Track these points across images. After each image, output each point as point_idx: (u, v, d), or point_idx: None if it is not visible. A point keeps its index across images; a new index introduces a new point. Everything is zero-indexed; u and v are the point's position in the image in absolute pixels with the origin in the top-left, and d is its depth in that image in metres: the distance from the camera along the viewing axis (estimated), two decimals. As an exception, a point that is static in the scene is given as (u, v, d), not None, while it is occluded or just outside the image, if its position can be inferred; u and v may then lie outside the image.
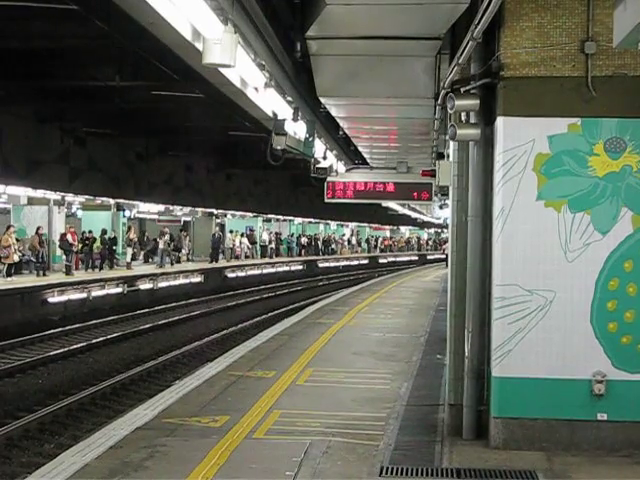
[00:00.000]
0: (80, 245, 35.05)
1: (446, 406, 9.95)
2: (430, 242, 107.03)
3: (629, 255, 8.80)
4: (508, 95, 8.90)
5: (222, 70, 11.11)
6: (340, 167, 21.61)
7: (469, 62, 9.18)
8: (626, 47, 7.42)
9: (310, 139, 15.13)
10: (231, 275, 45.67)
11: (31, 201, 34.61)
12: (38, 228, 32.90)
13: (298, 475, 8.10)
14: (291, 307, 33.77)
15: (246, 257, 53.01)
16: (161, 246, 41.38)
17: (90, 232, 36.13)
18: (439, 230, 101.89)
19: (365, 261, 75.48)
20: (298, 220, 68.72)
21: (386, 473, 8.23)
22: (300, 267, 59.05)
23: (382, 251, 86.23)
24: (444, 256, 56.28)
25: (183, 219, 52.80)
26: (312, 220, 69.86)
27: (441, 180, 14.47)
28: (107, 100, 22.90)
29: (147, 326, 27.08)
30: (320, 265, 63.67)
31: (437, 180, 15.73)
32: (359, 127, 16.79)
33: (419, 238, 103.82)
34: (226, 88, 13.63)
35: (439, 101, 11.25)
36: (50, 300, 27.90)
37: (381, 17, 9.29)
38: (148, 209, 46.14)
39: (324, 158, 19.39)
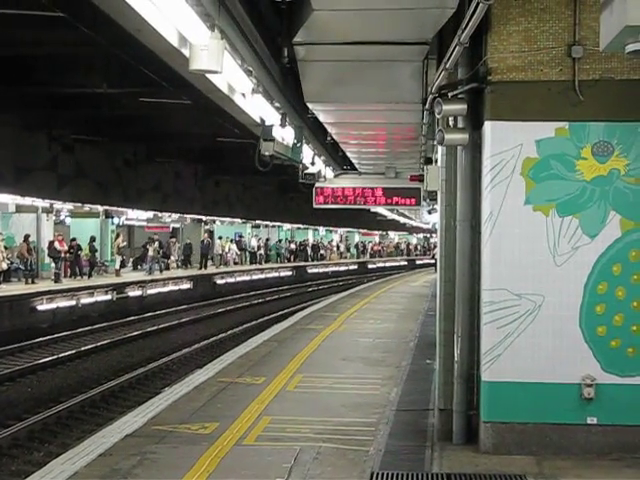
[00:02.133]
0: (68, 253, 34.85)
1: (436, 411, 9.95)
2: (419, 247, 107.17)
3: (617, 259, 8.81)
4: (495, 99, 8.91)
5: (209, 76, 11.10)
6: (328, 173, 21.65)
7: (456, 67, 9.18)
8: (613, 51, 7.44)
9: (298, 145, 15.14)
10: (220, 282, 45.60)
11: (19, 209, 34.54)
12: (26, 236, 32.82)
13: (288, 481, 8.10)
14: (280, 313, 33.74)
15: (235, 263, 52.93)
16: (150, 253, 41.32)
17: (74, 240, 35.93)
18: (428, 235, 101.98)
19: (354, 266, 75.43)
20: (287, 226, 68.72)
21: (376, 478, 8.22)
22: (289, 273, 59.02)
23: (371, 256, 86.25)
24: (433, 261, 56.35)
25: (172, 226, 52.74)
26: (301, 226, 69.86)
27: (429, 185, 14.52)
28: (95, 107, 22.90)
29: (136, 333, 27.04)
30: (309, 271, 63.65)
31: (425, 185, 15.79)
32: (347, 132, 16.78)
33: (408, 243, 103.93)
34: (213, 94, 13.62)
35: (427, 106, 11.26)
36: (39, 308, 27.79)
37: (368, 22, 9.29)
38: (137, 216, 46.06)
39: (312, 164, 19.40)
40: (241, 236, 57.59)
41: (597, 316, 8.83)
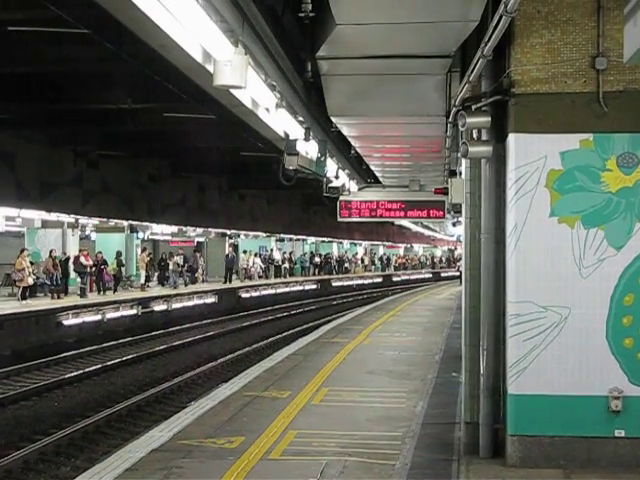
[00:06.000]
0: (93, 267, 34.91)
1: (462, 424, 9.91)
2: (443, 259, 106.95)
3: (644, 270, 8.76)
4: (519, 112, 8.90)
5: (233, 91, 11.12)
6: (352, 186, 21.62)
7: (480, 79, 9.18)
8: (637, 62, 7.41)
9: (322, 159, 15.13)
10: (245, 295, 45.66)
11: (45, 224, 34.75)
12: (51, 251, 32.98)
13: (315, 496, 8.09)
14: (305, 327, 33.73)
15: (259, 277, 52.98)
16: (170, 267, 41.51)
17: (100, 253, 36.06)
18: (452, 247, 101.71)
19: (379, 279, 75.29)
20: (311, 239, 68.71)
21: (403, 493, 8.20)
22: (314, 286, 59.00)
23: (396, 269, 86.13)
24: (458, 273, 56.17)
25: (196, 240, 52.89)
26: (325, 239, 69.82)
27: (454, 197, 14.49)
28: (119, 123, 23.01)
29: (162, 347, 27.11)
30: (334, 284, 63.57)
31: (450, 198, 15.75)
32: (371, 146, 16.77)
33: (433, 256, 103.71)
34: (237, 109, 13.66)
35: (450, 119, 11.26)
36: (65, 323, 27.92)
37: (391, 36, 9.30)
38: (161, 230, 46.21)
39: (336, 177, 19.38)
40: (272, 250, 57.90)
41: (624, 328, 8.78)
